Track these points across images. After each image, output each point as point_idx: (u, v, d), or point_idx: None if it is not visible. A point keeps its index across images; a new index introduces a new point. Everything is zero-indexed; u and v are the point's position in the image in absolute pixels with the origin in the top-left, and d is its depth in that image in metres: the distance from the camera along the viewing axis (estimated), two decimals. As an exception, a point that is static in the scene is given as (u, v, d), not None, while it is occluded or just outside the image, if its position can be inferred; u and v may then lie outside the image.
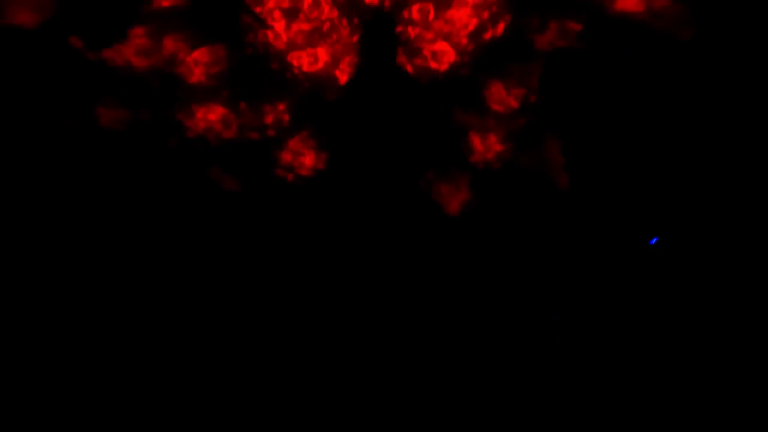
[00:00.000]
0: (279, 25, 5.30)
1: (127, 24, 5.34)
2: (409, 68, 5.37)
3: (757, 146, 5.24)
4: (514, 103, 5.40)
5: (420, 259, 5.97)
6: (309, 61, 5.37)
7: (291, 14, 5.28)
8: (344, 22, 5.24)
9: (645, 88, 5.28)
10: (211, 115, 5.63)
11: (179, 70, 5.53)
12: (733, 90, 5.19)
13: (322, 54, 5.36)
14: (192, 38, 5.38)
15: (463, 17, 5.22)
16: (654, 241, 5.21)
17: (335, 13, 5.22)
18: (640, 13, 5.12)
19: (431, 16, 5.21)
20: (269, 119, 5.62)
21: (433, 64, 5.39)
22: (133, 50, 5.40)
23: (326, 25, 5.24)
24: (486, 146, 5.60)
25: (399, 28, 5.25)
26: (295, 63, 5.36)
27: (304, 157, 5.66)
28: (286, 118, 5.56)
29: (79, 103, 5.60)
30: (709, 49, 5.09)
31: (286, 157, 5.76)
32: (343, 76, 5.42)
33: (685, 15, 5.05)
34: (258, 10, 5.30)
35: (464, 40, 5.32)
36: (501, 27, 5.23)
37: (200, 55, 5.41)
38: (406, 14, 5.23)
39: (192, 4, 5.38)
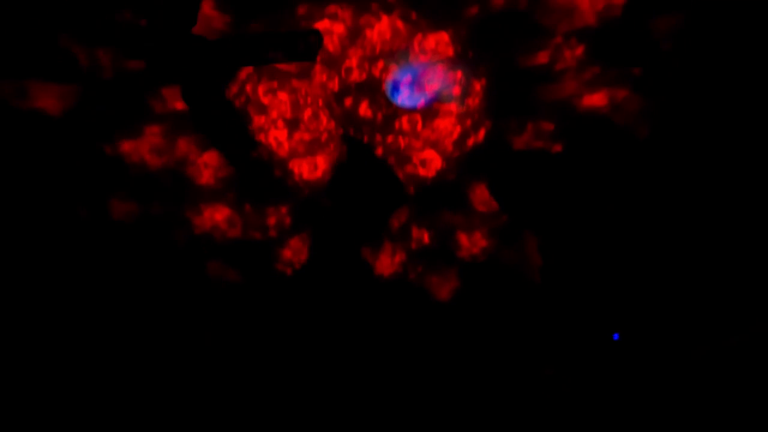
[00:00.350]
0: (281, 134, 5.71)
1: (143, 121, 5.67)
2: (399, 175, 5.79)
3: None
4: (496, 204, 5.82)
5: (414, 337, 6.35)
6: (309, 168, 5.79)
7: (293, 124, 5.69)
8: (341, 132, 5.68)
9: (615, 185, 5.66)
10: (217, 215, 6.04)
11: (189, 171, 5.92)
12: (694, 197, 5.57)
13: (321, 162, 5.79)
14: (203, 141, 5.71)
15: (448, 126, 5.67)
16: (616, 336, 5.57)
17: (333, 124, 5.65)
18: (605, 107, 5.51)
19: (419, 126, 5.65)
20: (272, 221, 6.04)
21: (422, 171, 5.83)
22: (147, 148, 5.77)
23: (324, 136, 5.67)
24: (472, 242, 6.04)
25: (390, 138, 5.68)
26: (296, 170, 5.76)
27: (304, 255, 6.06)
28: (288, 220, 5.96)
29: (94, 195, 5.97)
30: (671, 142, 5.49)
31: (287, 254, 6.17)
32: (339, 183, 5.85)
33: (645, 108, 5.46)
34: (262, 119, 5.72)
35: (450, 147, 5.77)
36: (482, 133, 5.67)
37: (210, 158, 5.78)
38: (397, 125, 5.65)
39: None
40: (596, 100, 5.40)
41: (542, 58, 5.25)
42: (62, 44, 5.13)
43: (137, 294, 6.31)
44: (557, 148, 5.64)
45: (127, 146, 5.66)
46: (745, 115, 5.23)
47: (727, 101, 5.20)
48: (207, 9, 5.16)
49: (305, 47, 4.66)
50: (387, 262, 6.08)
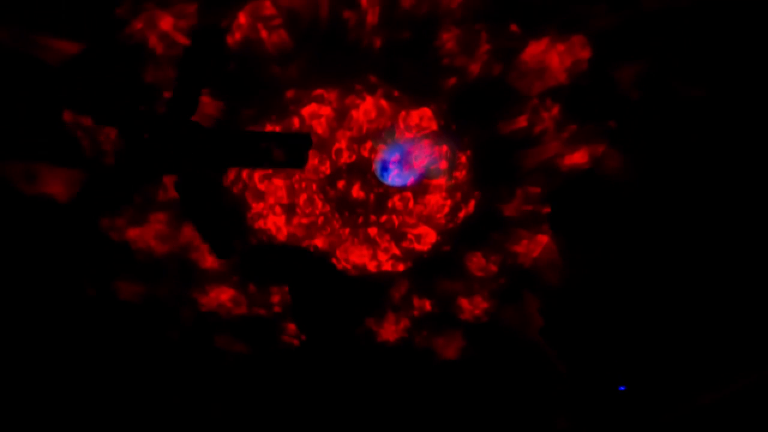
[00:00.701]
0: (279, 219, 5.86)
1: (147, 209, 5.81)
2: (397, 251, 5.93)
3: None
4: (494, 268, 5.94)
5: (424, 397, 6.49)
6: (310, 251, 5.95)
7: (289, 209, 5.83)
8: (336, 216, 5.81)
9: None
10: (222, 295, 6.21)
11: (194, 256, 6.07)
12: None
13: (320, 244, 5.93)
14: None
15: (439, 200, 5.78)
16: (623, 388, 5.64)
17: (328, 207, 5.79)
18: (586, 164, 5.58)
19: (411, 203, 5.77)
20: (276, 299, 6.20)
21: (418, 246, 5.97)
22: (152, 234, 5.92)
23: (321, 219, 5.81)
24: (474, 305, 6.17)
25: (384, 217, 5.81)
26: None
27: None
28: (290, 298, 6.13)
29: (101, 276, 6.11)
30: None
31: (292, 326, 6.34)
32: (338, 264, 5.99)
33: (625, 161, 5.52)
34: (260, 206, 5.85)
35: (442, 221, 5.89)
36: (472, 204, 5.78)
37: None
38: (389, 204, 5.78)
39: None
40: (577, 158, 5.46)
41: (521, 122, 5.33)
42: (67, 128, 5.23)
43: (145, 367, 6.45)
44: (546, 209, 5.70)
45: (132, 233, 5.83)
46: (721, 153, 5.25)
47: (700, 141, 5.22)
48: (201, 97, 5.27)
49: (295, 153, 4.74)
50: (391, 329, 6.21)
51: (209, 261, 6.00)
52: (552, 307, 5.76)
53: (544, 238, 5.77)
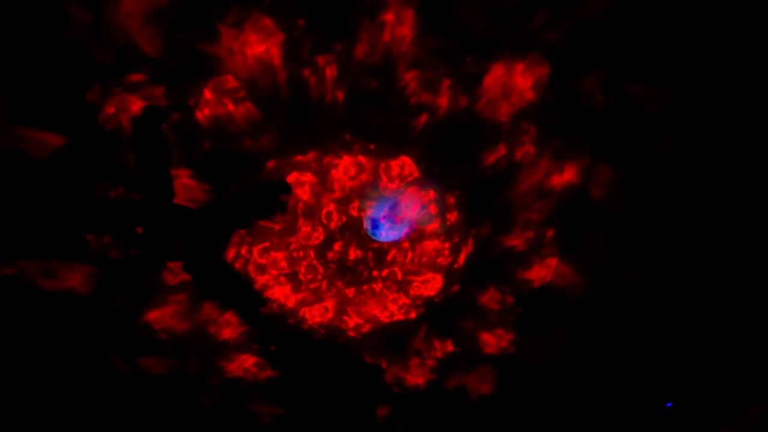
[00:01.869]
0: (285, 288, 5.83)
1: (165, 293, 5.88)
2: (407, 300, 5.83)
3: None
4: (510, 299, 5.76)
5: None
6: (320, 312, 5.91)
7: (293, 276, 5.80)
8: (339, 278, 5.75)
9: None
10: (246, 363, 6.18)
11: (213, 329, 6.06)
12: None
13: (330, 306, 5.91)
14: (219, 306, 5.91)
15: (437, 245, 5.68)
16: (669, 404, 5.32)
17: (329, 271, 5.73)
18: (577, 179, 5.40)
19: (410, 253, 5.68)
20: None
21: (426, 292, 5.85)
22: (170, 314, 5.98)
23: (324, 283, 5.75)
24: (497, 337, 5.99)
25: (385, 271, 5.72)
26: (308, 317, 5.86)
27: None
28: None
29: (128, 354, 6.15)
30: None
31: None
32: (350, 322, 5.90)
33: (616, 181, 5.31)
34: (265, 278, 5.83)
35: (445, 263, 5.77)
36: (471, 242, 5.65)
37: (231, 315, 5.96)
38: (389, 257, 5.69)
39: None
40: (566, 176, 5.31)
41: (501, 150, 5.20)
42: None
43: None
44: (550, 233, 5.53)
45: (152, 315, 5.92)
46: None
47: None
48: (185, 180, 5.30)
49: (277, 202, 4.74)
50: (419, 372, 6.08)
51: (227, 333, 5.97)
52: (577, 330, 5.50)
53: (552, 261, 5.56)
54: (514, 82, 4.92)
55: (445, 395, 6.32)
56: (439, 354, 6.13)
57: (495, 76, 4.91)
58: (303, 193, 5.54)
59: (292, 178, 5.53)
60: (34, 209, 5.15)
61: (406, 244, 5.65)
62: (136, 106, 4.86)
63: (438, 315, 6.00)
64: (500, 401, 6.25)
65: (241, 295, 5.38)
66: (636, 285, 5.33)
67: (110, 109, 4.83)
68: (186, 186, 5.31)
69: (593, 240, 5.40)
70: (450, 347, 6.11)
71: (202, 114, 4.98)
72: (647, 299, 5.30)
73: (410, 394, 6.34)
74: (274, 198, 4.80)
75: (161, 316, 5.96)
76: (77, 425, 6.42)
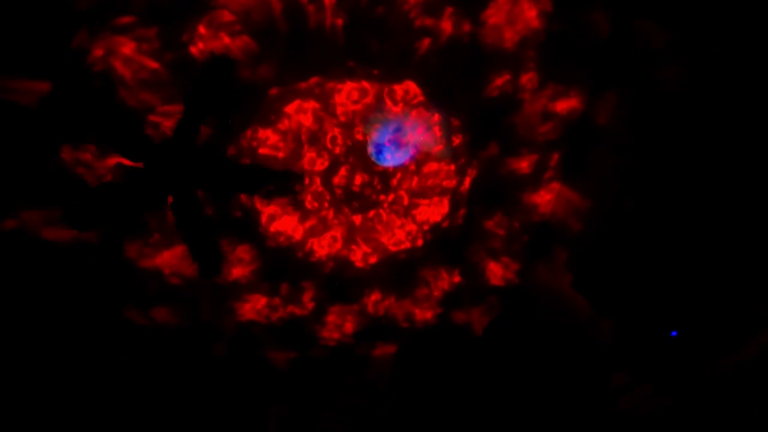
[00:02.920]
0: (292, 219, 5.83)
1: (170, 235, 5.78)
2: (413, 227, 5.82)
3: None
4: (516, 224, 5.73)
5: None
6: (329, 243, 5.90)
7: (300, 207, 5.78)
8: (344, 209, 5.73)
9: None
10: (258, 304, 6.26)
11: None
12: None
13: (338, 235, 5.89)
14: (234, 241, 5.92)
15: (443, 167, 5.64)
16: (674, 333, 5.29)
17: (336, 197, 5.73)
18: (581, 106, 5.29)
19: (416, 177, 5.65)
20: (307, 296, 6.21)
21: (433, 217, 5.84)
22: (179, 256, 5.87)
23: (330, 212, 5.75)
24: (504, 266, 5.99)
25: (392, 196, 5.70)
26: (316, 248, 5.88)
27: (344, 326, 6.24)
28: (319, 293, 6.14)
29: (142, 304, 6.19)
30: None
31: (331, 318, 6.36)
32: (357, 252, 5.92)
33: (621, 108, 5.18)
34: (272, 209, 5.82)
35: (451, 186, 5.72)
36: (476, 165, 5.58)
37: (242, 252, 5.96)
38: (394, 182, 5.68)
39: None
40: (571, 102, 5.22)
41: (505, 75, 5.08)
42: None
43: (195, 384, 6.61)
44: (555, 156, 5.45)
45: (160, 259, 5.89)
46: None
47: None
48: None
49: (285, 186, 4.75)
50: (426, 305, 6.13)
51: (238, 271, 6.00)
52: (582, 257, 5.47)
53: (556, 185, 5.50)
54: (520, 9, 4.77)
55: (452, 329, 6.32)
56: (446, 285, 6.13)
57: (499, 3, 4.76)
58: (306, 120, 5.45)
59: (294, 105, 5.44)
60: (31, 157, 5.14)
61: (412, 167, 5.57)
62: (127, 48, 4.78)
63: (445, 242, 5.94)
64: (506, 335, 6.26)
65: (212, 251, 5.36)
66: (637, 214, 5.23)
67: (98, 52, 4.74)
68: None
69: (597, 165, 5.30)
70: (457, 278, 6.08)
71: (197, 49, 4.85)
72: (648, 228, 5.20)
73: (418, 330, 6.38)
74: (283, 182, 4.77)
75: (170, 259, 5.92)
76: (91, 380, 6.50)
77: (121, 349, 6.36)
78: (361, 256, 5.97)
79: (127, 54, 4.83)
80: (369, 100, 5.43)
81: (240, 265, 6.04)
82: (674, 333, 5.29)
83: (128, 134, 4.67)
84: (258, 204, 5.80)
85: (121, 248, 5.76)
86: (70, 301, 5.93)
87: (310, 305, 6.23)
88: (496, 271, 6.01)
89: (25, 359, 6.07)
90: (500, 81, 5.14)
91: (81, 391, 6.25)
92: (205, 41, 4.94)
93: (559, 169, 5.51)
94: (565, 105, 5.23)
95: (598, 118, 5.20)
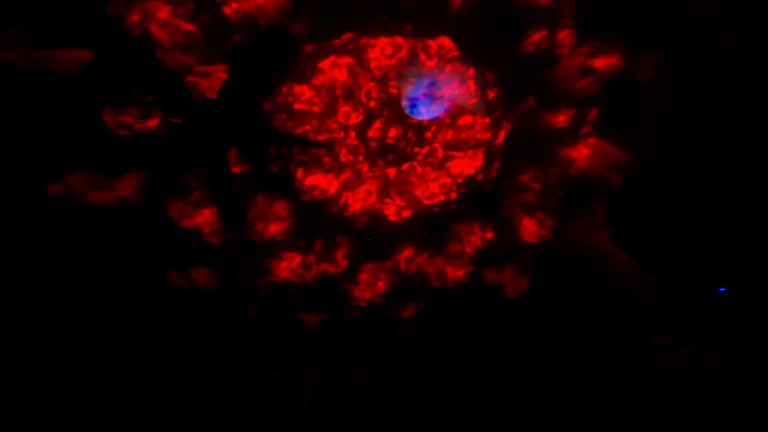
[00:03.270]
0: (329, 175, 5.91)
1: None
2: (448, 180, 5.84)
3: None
4: (552, 179, 5.72)
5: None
6: (363, 195, 5.97)
7: (336, 159, 5.85)
8: (379, 162, 5.78)
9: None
10: (293, 263, 6.39)
11: (260, 226, 6.23)
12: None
13: (372, 188, 5.95)
14: (272, 197, 6.07)
15: (478, 120, 5.64)
16: (723, 289, 5.20)
17: (371, 150, 5.78)
18: (620, 64, 5.20)
19: (450, 131, 5.67)
20: (341, 253, 6.31)
21: (466, 170, 5.87)
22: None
23: (365, 165, 5.80)
24: (538, 222, 6.01)
25: (426, 149, 5.73)
26: (351, 201, 5.96)
27: (375, 285, 6.35)
28: (355, 250, 6.24)
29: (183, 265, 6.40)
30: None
31: (364, 276, 6.47)
32: (391, 206, 5.98)
33: (662, 67, 5.08)
34: (303, 157, 5.89)
35: (487, 137, 5.72)
36: (511, 118, 5.55)
37: (280, 208, 6.10)
38: (429, 135, 5.69)
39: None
40: (610, 59, 5.11)
41: (542, 30, 5.02)
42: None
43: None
44: (594, 111, 5.40)
45: (199, 218, 6.04)
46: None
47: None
48: (221, 75, 5.28)
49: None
50: (459, 263, 6.20)
51: (272, 230, 6.11)
52: (622, 212, 5.44)
53: (593, 140, 5.46)
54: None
55: (484, 289, 6.37)
56: (479, 241, 6.16)
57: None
58: (340, 75, 5.47)
59: (329, 61, 5.46)
60: (74, 122, 5.24)
61: (447, 120, 5.57)
62: (163, 12, 4.80)
63: (479, 196, 5.96)
64: (538, 295, 6.29)
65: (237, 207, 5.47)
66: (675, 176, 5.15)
67: (135, 17, 4.78)
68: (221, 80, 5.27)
69: (638, 121, 5.24)
70: (490, 234, 6.11)
71: (230, 9, 4.87)
72: (689, 184, 5.13)
73: (450, 289, 6.44)
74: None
75: (209, 217, 6.03)
76: (131, 344, 6.72)
77: (162, 314, 6.59)
78: (395, 210, 6.03)
79: (162, 18, 4.87)
80: (403, 54, 5.41)
81: (276, 222, 6.18)
82: (723, 289, 5.21)
83: (170, 92, 4.74)
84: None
85: (164, 207, 5.92)
86: (115, 265, 6.11)
87: (344, 263, 6.34)
88: (530, 227, 6.02)
89: (69, 322, 6.30)
90: (537, 36, 5.05)
91: (121, 354, 6.49)
92: (238, 1, 4.93)
93: (598, 124, 5.42)
94: (604, 61, 5.12)
95: (641, 75, 5.10)
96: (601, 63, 5.09)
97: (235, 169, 5.74)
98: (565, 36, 5.02)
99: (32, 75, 4.86)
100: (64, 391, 6.18)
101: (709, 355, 5.22)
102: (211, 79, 5.10)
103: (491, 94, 5.44)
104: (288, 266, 6.25)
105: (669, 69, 4.81)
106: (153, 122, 5.42)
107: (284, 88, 5.54)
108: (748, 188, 4.76)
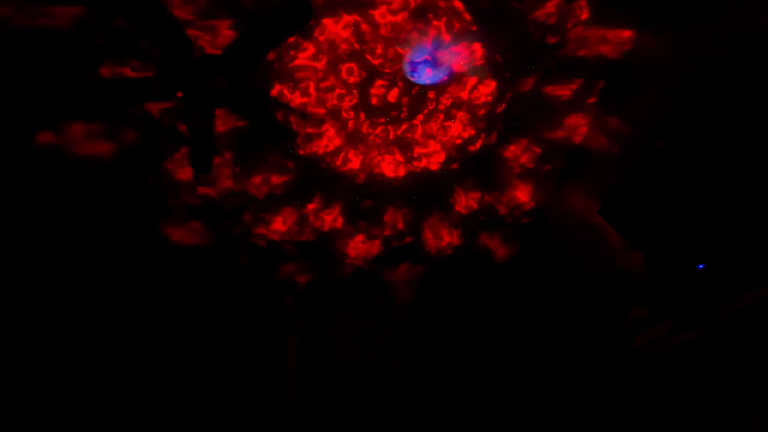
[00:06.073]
0: (329, 131, 5.85)
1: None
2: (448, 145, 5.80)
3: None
4: (549, 147, 5.70)
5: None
6: (362, 153, 5.96)
7: (335, 116, 5.79)
8: (380, 119, 5.72)
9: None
10: (290, 219, 6.38)
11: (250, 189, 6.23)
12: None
13: (372, 146, 5.94)
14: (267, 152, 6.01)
15: (480, 87, 5.57)
16: (701, 266, 5.20)
17: (370, 112, 5.71)
18: (629, 41, 5.14)
19: (449, 96, 5.59)
20: (337, 211, 6.30)
21: (465, 133, 5.83)
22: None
23: (365, 125, 5.75)
24: (534, 188, 6.03)
25: (427, 110, 5.66)
26: (350, 156, 5.92)
27: (371, 246, 6.36)
28: (351, 208, 6.22)
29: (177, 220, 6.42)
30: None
31: (360, 238, 6.47)
32: (388, 167, 5.95)
33: (670, 46, 4.99)
34: (308, 111, 5.83)
35: (488, 101, 5.66)
36: (518, 86, 5.49)
37: (277, 160, 6.07)
38: (431, 95, 5.61)
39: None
40: (623, 33, 5.05)
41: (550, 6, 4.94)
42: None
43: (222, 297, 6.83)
44: (599, 84, 5.35)
45: (183, 175, 6.00)
46: None
47: None
48: (226, 31, 5.19)
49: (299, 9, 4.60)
50: (453, 226, 6.21)
51: (268, 185, 6.10)
52: (608, 187, 5.43)
53: (594, 111, 5.43)
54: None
55: (477, 254, 6.36)
56: (474, 204, 6.16)
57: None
58: (345, 32, 5.36)
59: (334, 17, 5.35)
60: (69, 73, 5.15)
61: (448, 87, 5.53)
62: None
63: (476, 160, 5.99)
64: (528, 260, 6.30)
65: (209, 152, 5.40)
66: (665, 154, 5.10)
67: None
68: (227, 37, 5.15)
69: (639, 96, 5.18)
70: (487, 197, 6.14)
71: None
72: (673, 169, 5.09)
73: (443, 252, 6.43)
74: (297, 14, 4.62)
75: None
76: (125, 298, 6.74)
77: (155, 268, 6.59)
78: (393, 168, 6.00)
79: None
80: (410, 14, 5.29)
81: (275, 175, 6.14)
82: (701, 266, 5.22)
83: (171, 42, 4.63)
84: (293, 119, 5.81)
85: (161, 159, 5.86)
86: (108, 218, 6.09)
87: (339, 221, 6.33)
88: (524, 194, 6.03)
89: (63, 275, 6.29)
90: (550, 3, 4.97)
91: (113, 308, 6.51)
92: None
93: (601, 96, 5.39)
94: (617, 33, 5.07)
95: (648, 51, 5.03)
96: (613, 34, 5.01)
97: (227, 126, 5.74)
98: (578, 5, 4.92)
99: (27, 30, 4.73)
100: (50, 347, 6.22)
101: (683, 332, 5.25)
102: (213, 34, 4.99)
103: (499, 59, 5.35)
104: (284, 222, 6.24)
105: (678, 44, 4.73)
106: (150, 74, 5.32)
107: (290, 40, 5.42)
108: (735, 171, 4.73)
